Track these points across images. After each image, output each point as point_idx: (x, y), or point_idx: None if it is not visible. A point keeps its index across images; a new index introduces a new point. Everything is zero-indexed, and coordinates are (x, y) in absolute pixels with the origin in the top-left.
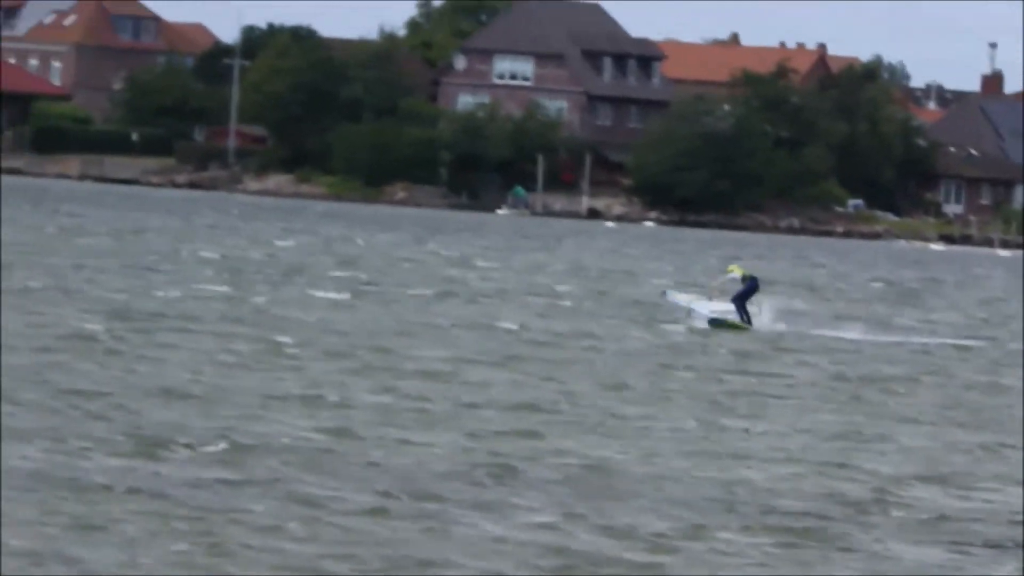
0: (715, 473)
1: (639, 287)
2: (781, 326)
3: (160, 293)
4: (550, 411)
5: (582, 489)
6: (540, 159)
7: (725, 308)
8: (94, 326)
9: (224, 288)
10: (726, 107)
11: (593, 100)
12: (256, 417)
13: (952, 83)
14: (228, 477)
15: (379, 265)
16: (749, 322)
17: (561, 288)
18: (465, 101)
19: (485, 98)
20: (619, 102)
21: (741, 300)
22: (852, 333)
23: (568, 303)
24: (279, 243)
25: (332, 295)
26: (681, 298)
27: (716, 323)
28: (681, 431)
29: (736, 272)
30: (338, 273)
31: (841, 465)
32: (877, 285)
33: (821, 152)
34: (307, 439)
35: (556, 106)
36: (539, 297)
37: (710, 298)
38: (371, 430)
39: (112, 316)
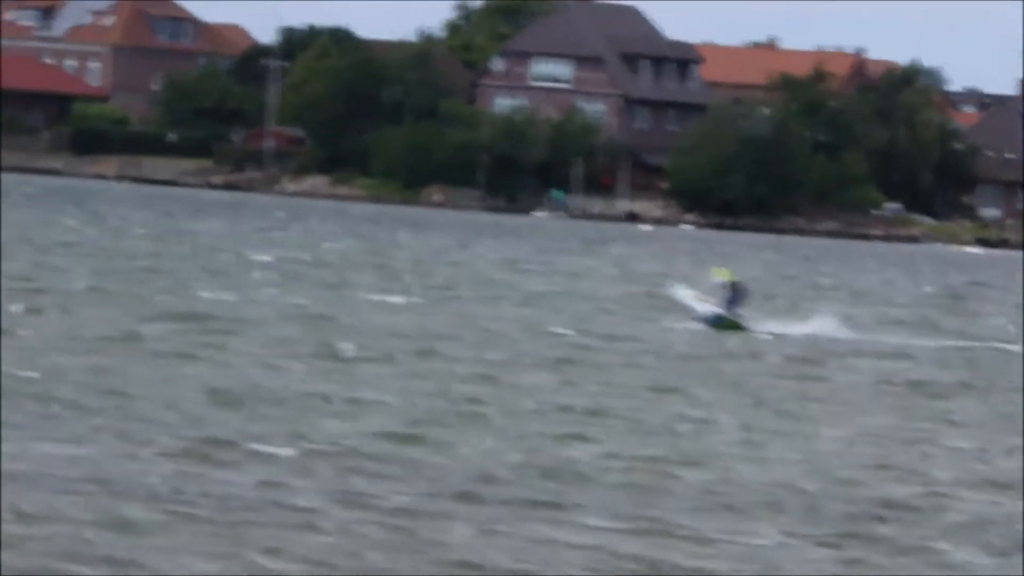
0: (764, 475)
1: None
2: (841, 332)
3: (213, 295)
4: (601, 414)
5: (633, 492)
6: (578, 162)
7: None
8: (151, 328)
9: (277, 291)
10: (764, 111)
11: (631, 103)
12: (313, 419)
13: (990, 87)
14: (280, 479)
15: (429, 269)
16: (747, 326)
17: (609, 292)
18: (502, 104)
19: (523, 101)
20: (657, 105)
21: (731, 306)
22: (901, 338)
23: (615, 306)
24: (328, 246)
25: (385, 298)
26: (686, 295)
27: (719, 323)
28: (732, 433)
29: (723, 277)
30: (388, 277)
31: (896, 468)
32: (928, 290)
33: (859, 156)
34: (361, 441)
35: (594, 109)
36: (587, 301)
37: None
38: (425, 431)
39: (170, 319)
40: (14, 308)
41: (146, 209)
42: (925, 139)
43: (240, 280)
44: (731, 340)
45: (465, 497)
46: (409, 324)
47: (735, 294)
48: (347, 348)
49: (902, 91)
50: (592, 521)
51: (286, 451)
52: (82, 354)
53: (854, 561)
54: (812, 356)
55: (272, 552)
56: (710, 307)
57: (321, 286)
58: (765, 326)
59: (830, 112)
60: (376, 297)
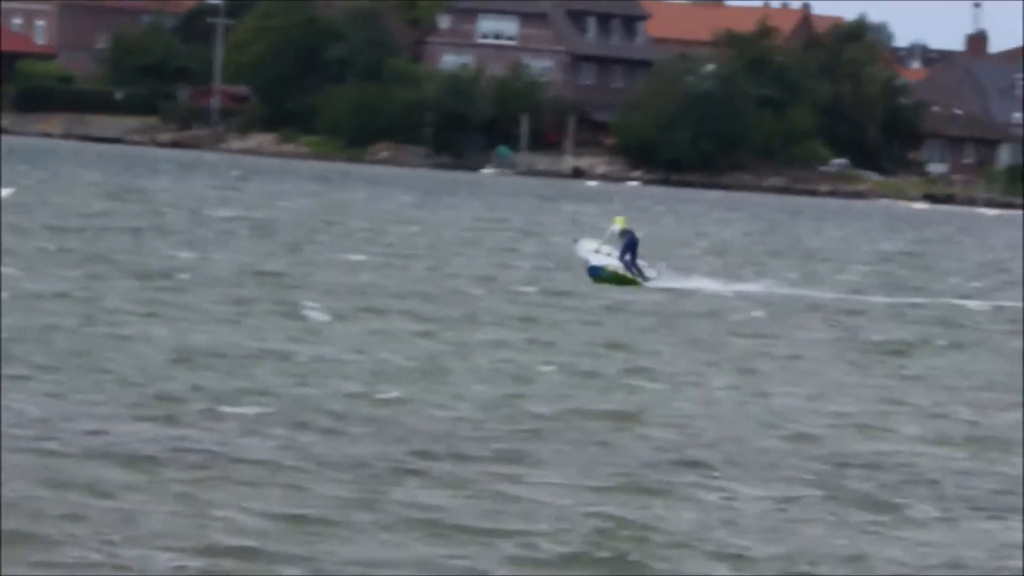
0: (724, 431)
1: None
2: (792, 288)
3: (176, 254)
4: (564, 370)
5: (595, 448)
6: (524, 119)
7: (616, 263)
8: (113, 286)
9: (241, 250)
10: (710, 67)
11: (577, 59)
12: (284, 379)
13: (936, 43)
14: (240, 438)
15: (387, 228)
16: (644, 277)
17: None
18: (449, 61)
19: (469, 58)
20: (603, 61)
21: (626, 255)
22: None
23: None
24: (283, 204)
25: (349, 257)
26: (586, 247)
27: (598, 275)
28: (692, 390)
29: (618, 225)
30: (345, 235)
31: (871, 427)
32: (885, 247)
33: (805, 112)
34: (322, 400)
35: (540, 66)
36: (543, 259)
37: (598, 251)
38: (397, 390)
39: (133, 277)
40: None
41: (98, 168)
42: (872, 95)
43: (199, 238)
44: (687, 301)
45: (427, 455)
46: (369, 282)
47: (627, 243)
48: (310, 307)
49: (848, 47)
50: (555, 478)
51: (248, 410)
52: (42, 314)
53: (813, 519)
54: (769, 315)
55: (233, 508)
56: (600, 259)
57: (280, 245)
58: (701, 283)
59: (776, 68)
60: (336, 256)
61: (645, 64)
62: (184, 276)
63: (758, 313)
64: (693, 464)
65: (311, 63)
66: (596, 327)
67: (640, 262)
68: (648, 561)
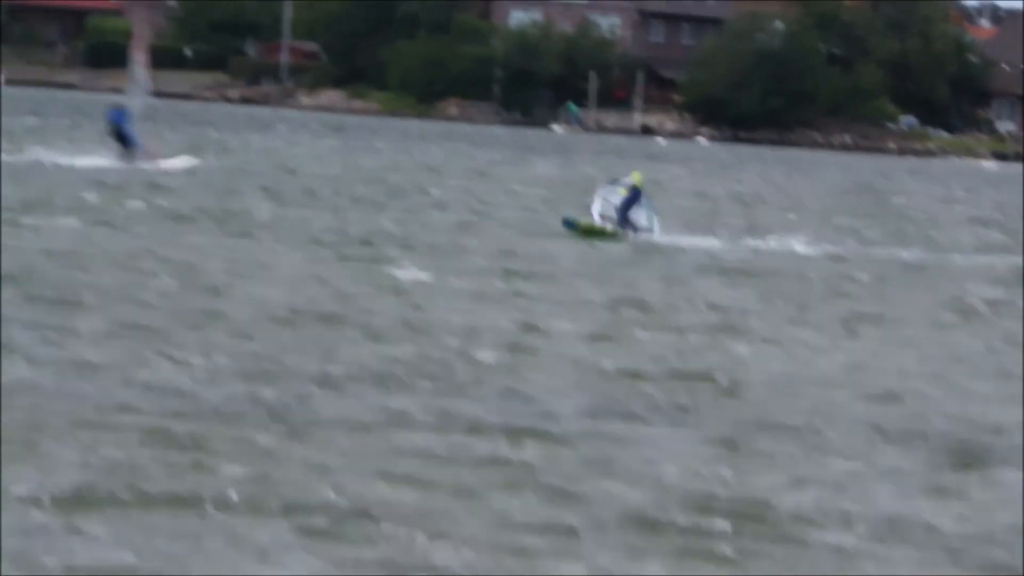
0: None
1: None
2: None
3: (259, 210)
4: (663, 331)
5: (706, 413)
6: (592, 76)
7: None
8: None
9: (329, 208)
10: (779, 24)
11: (646, 17)
12: (378, 340)
13: (1006, 1)
14: (344, 403)
15: (471, 184)
16: (632, 228)
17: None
18: (518, 17)
19: (538, 15)
20: (672, 19)
21: (623, 209)
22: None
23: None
24: (365, 163)
25: (439, 215)
26: (597, 198)
27: (570, 227)
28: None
29: (631, 179)
30: (438, 193)
31: (989, 396)
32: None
33: (873, 69)
34: (431, 361)
35: (609, 23)
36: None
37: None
38: (493, 350)
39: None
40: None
41: (189, 126)
42: (940, 52)
43: (286, 194)
44: (772, 259)
45: (524, 415)
46: (461, 241)
47: (629, 199)
48: (404, 265)
49: (918, 4)
50: (653, 441)
51: (337, 369)
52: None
53: (918, 487)
54: (862, 274)
55: (342, 469)
56: (595, 207)
57: (368, 203)
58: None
59: (844, 25)
60: (425, 214)
61: (714, 22)
62: (270, 232)
63: (851, 271)
64: (793, 429)
65: (380, 19)
66: (681, 286)
67: (640, 216)
68: (752, 525)
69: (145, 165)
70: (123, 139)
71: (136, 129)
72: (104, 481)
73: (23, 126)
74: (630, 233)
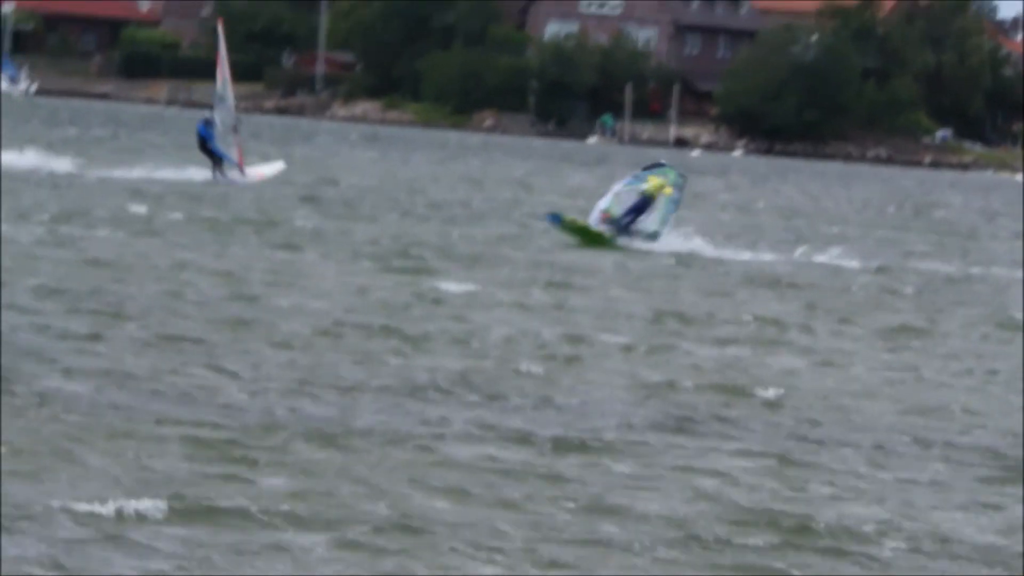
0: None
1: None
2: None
3: (303, 222)
4: (711, 344)
5: (757, 428)
6: (628, 88)
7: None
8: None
9: (370, 219)
10: (814, 37)
11: (681, 29)
12: (423, 351)
13: None
14: (386, 417)
15: (515, 195)
16: (631, 235)
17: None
18: (553, 29)
19: (573, 26)
20: (707, 32)
21: (629, 213)
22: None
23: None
24: (403, 174)
25: (486, 228)
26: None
27: (555, 222)
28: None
29: (647, 184)
30: (470, 204)
31: None
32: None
33: (909, 82)
34: (478, 373)
35: (644, 35)
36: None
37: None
38: (540, 363)
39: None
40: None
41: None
42: (975, 65)
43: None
44: (821, 272)
45: (573, 429)
46: (503, 253)
47: (637, 205)
48: (448, 277)
49: (952, 17)
50: (704, 456)
51: (379, 382)
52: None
53: (974, 503)
54: (910, 288)
55: (394, 483)
56: (602, 204)
57: (408, 215)
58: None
59: (879, 38)
60: (466, 227)
61: (749, 34)
62: (313, 243)
63: (894, 284)
64: (837, 442)
65: (416, 29)
66: (724, 298)
67: (650, 222)
68: (797, 538)
69: (237, 177)
70: (211, 153)
71: (225, 143)
72: (144, 492)
73: (62, 136)
74: (626, 240)
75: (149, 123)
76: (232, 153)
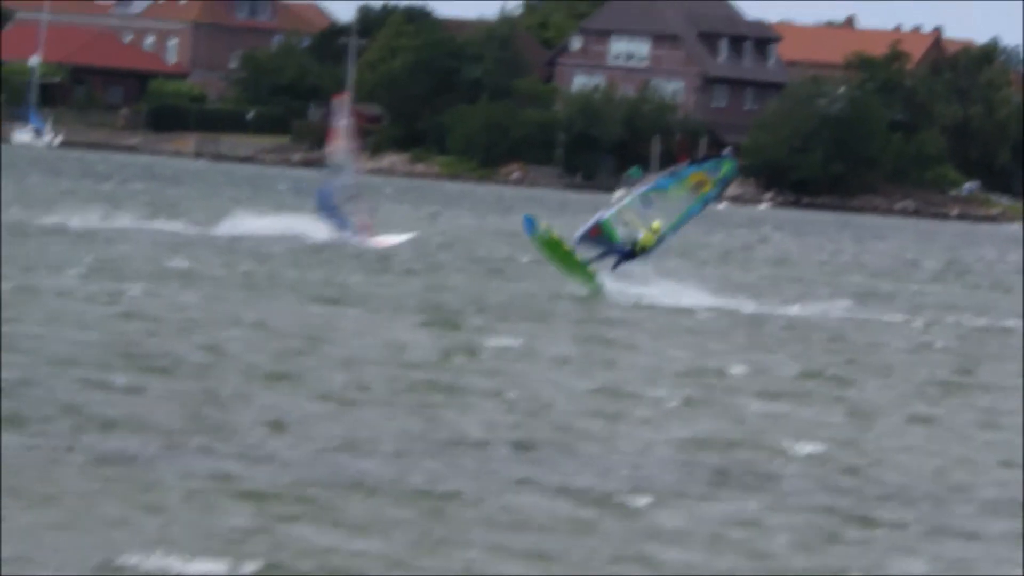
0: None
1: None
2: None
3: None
4: (762, 398)
5: (808, 485)
6: (655, 140)
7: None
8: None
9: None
10: (841, 89)
11: (709, 82)
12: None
13: None
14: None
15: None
16: (603, 263)
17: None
18: (581, 82)
19: (601, 79)
20: (735, 84)
21: (617, 253)
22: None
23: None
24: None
25: (528, 283)
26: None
27: (530, 230)
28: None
29: (642, 232)
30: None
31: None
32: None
33: (935, 135)
34: (523, 428)
35: (672, 87)
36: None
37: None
38: (586, 418)
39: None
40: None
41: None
42: (1003, 118)
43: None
44: (866, 328)
45: (622, 486)
46: (545, 307)
47: (626, 253)
48: (490, 333)
49: (980, 70)
50: (759, 514)
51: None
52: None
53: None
54: (952, 342)
55: (458, 542)
56: (592, 222)
57: (441, 271)
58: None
59: (906, 91)
60: (506, 283)
61: (776, 86)
62: (357, 299)
63: (940, 341)
64: (889, 497)
65: (443, 83)
66: (768, 353)
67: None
68: None
69: (359, 242)
70: (332, 217)
71: (348, 208)
72: (195, 547)
73: (97, 191)
74: (599, 270)
75: (181, 176)
76: (355, 219)
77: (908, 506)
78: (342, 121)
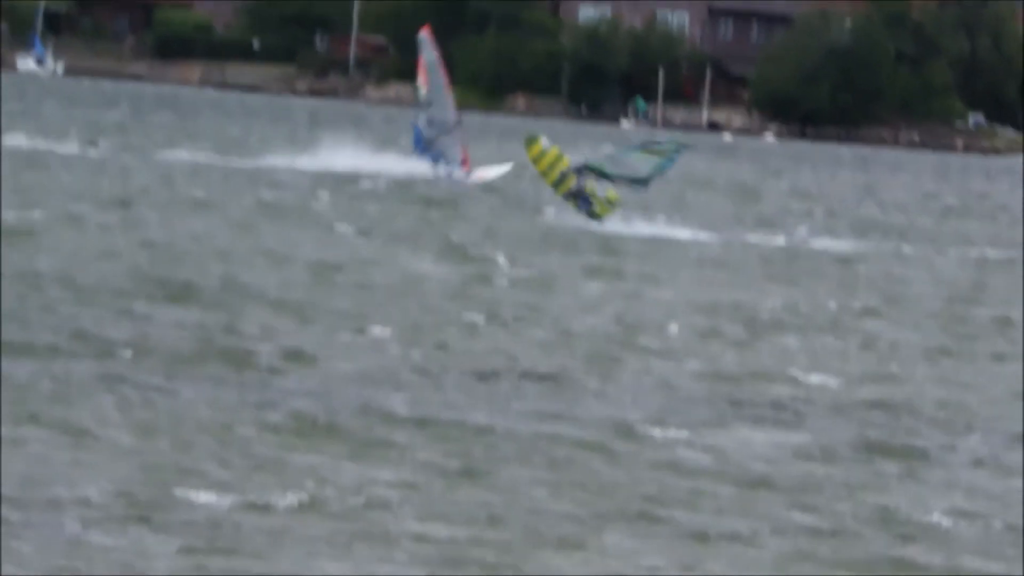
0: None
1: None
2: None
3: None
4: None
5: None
6: (661, 72)
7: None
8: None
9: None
10: (848, 22)
11: (715, 14)
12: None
13: None
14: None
15: None
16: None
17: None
18: (587, 13)
19: (607, 10)
20: (741, 16)
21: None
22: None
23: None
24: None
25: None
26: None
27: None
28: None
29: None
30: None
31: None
32: None
33: (942, 68)
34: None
35: (678, 19)
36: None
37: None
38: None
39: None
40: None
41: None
42: (1010, 51)
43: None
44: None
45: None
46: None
47: (584, 198)
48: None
49: (987, 3)
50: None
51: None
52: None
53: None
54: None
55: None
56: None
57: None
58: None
59: (914, 23)
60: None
61: (783, 19)
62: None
63: (961, 273)
64: (935, 433)
65: (450, 13)
66: (793, 286)
67: (637, 169)
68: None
69: (460, 176)
70: (429, 154)
71: (444, 143)
72: (250, 482)
73: (108, 120)
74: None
75: (197, 105)
76: (453, 153)
77: (934, 438)
78: (431, 54)
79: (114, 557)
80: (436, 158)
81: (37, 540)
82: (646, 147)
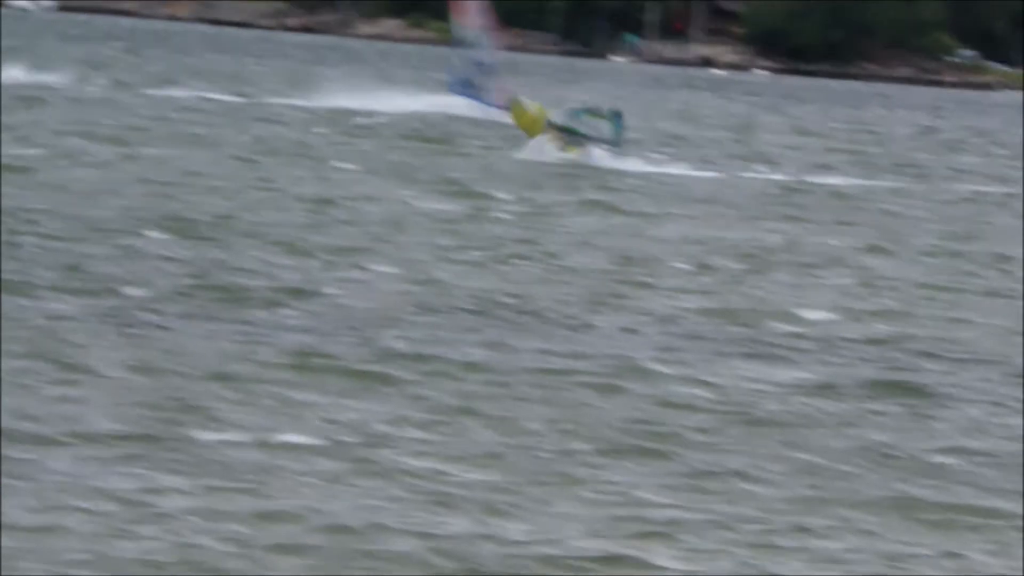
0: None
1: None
2: None
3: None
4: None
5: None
6: (651, 7)
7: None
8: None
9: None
10: None
11: None
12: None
13: None
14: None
15: None
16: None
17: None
18: None
19: None
20: None
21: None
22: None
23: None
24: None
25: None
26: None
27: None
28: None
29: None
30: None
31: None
32: None
33: (933, 2)
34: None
35: None
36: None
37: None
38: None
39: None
40: None
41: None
42: None
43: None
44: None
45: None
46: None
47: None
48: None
49: None
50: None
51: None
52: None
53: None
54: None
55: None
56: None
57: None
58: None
59: None
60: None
61: None
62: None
63: (959, 208)
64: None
65: None
66: (795, 223)
67: (603, 131)
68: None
69: (500, 117)
70: (469, 93)
71: (484, 83)
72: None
73: (108, 55)
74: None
75: (206, 42)
76: (493, 95)
77: (933, 375)
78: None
79: (117, 494)
80: (478, 98)
81: (35, 477)
82: (590, 111)
